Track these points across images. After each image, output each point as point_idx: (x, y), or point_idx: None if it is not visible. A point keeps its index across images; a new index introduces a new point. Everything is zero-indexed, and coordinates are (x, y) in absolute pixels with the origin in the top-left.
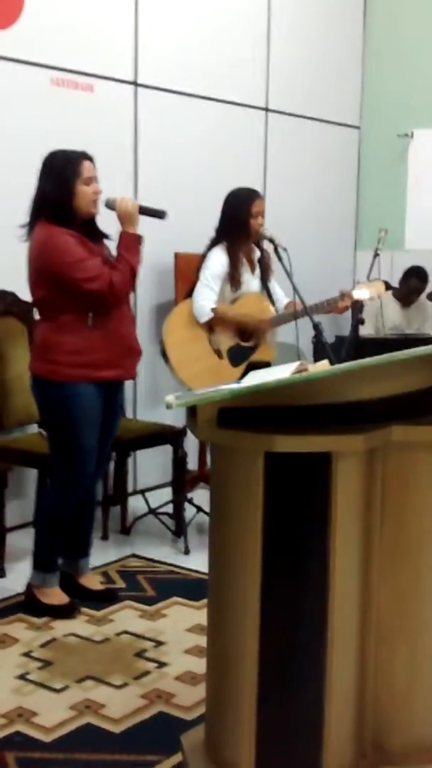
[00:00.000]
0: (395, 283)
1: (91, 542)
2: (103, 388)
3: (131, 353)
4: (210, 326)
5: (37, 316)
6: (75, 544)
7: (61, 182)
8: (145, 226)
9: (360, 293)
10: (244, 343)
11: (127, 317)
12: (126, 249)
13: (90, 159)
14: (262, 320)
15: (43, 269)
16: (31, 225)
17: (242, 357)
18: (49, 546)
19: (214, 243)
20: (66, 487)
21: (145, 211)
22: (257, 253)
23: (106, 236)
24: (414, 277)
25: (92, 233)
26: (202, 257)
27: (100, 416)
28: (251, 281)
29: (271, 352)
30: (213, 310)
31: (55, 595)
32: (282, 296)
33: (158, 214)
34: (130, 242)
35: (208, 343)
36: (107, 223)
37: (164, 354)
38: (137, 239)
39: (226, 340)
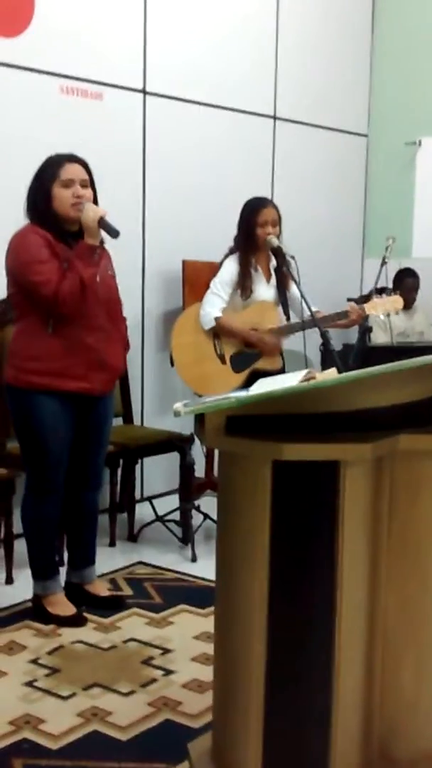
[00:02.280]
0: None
1: (96, 552)
2: (70, 400)
3: (101, 367)
4: (215, 332)
5: None
6: (79, 555)
7: (39, 185)
8: (153, 233)
9: (373, 308)
10: (248, 349)
11: (103, 329)
12: (78, 258)
13: (78, 161)
14: (264, 338)
15: (8, 266)
16: None
17: (245, 363)
18: (40, 554)
19: (230, 252)
20: (38, 495)
21: (102, 224)
22: (274, 262)
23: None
24: (407, 277)
25: (81, 238)
26: (219, 266)
27: (69, 428)
28: (266, 290)
29: (277, 361)
30: (216, 319)
31: (62, 605)
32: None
33: (110, 232)
34: (82, 252)
35: (213, 348)
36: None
37: (171, 355)
38: (89, 249)
39: (230, 346)
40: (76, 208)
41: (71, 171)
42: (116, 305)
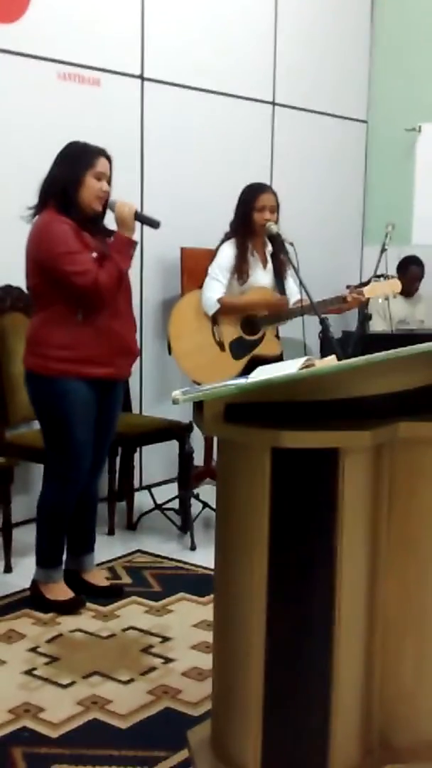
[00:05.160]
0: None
1: (95, 539)
2: (96, 386)
3: (125, 352)
4: (215, 318)
5: None
6: (79, 542)
7: (71, 169)
8: None
9: (372, 291)
10: (247, 336)
11: (124, 315)
12: (117, 251)
13: (108, 158)
14: (279, 301)
15: (36, 256)
16: (38, 209)
17: (244, 350)
18: (50, 542)
19: (226, 237)
20: (62, 482)
21: (139, 217)
22: (270, 248)
23: (111, 233)
24: (412, 264)
25: (97, 229)
26: (215, 252)
27: (94, 413)
28: (262, 276)
29: (275, 347)
30: (219, 300)
31: (60, 591)
32: (295, 292)
33: (152, 223)
34: (122, 245)
35: (211, 335)
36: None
37: (169, 344)
38: (129, 243)
39: (229, 333)
40: (100, 202)
41: (104, 165)
42: (130, 291)
